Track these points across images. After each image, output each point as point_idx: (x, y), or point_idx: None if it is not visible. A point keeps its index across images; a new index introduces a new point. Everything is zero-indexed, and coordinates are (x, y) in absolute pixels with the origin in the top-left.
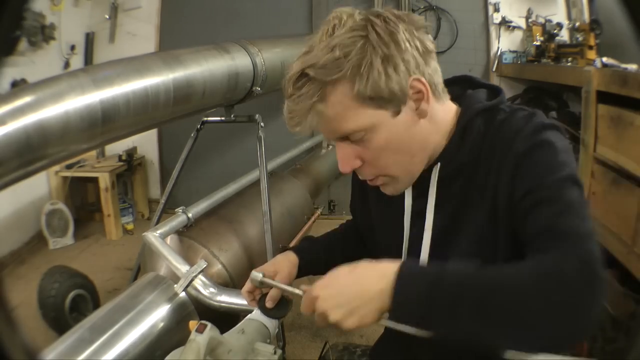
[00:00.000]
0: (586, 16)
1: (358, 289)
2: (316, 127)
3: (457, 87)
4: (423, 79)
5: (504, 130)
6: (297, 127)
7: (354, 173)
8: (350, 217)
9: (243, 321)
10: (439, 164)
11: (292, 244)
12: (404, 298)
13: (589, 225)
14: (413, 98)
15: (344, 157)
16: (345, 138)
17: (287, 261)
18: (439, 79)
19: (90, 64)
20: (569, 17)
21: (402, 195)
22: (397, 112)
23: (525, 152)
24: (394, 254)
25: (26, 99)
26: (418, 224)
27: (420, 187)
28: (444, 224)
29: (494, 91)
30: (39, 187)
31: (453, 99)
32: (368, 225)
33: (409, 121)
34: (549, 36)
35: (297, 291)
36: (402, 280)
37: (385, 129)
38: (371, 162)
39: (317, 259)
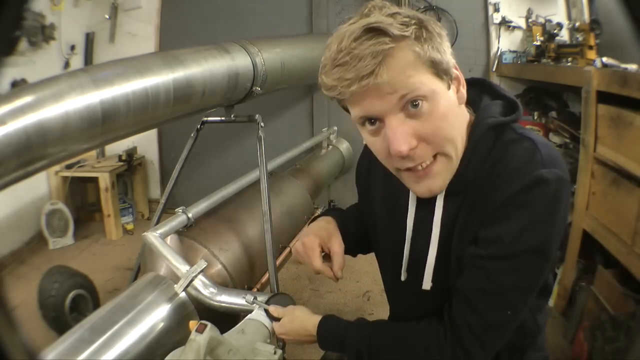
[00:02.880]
0: (586, 16)
1: (296, 333)
2: (379, 82)
3: (474, 89)
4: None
5: (505, 161)
6: (351, 86)
7: (358, 174)
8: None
9: (243, 321)
10: None
11: (292, 244)
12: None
13: (503, 316)
14: (454, 83)
15: (402, 133)
16: (404, 107)
17: (334, 228)
18: None
19: (90, 64)
20: (569, 17)
21: (406, 203)
22: (448, 87)
23: (507, 201)
24: (395, 258)
25: (26, 99)
26: (420, 234)
27: (423, 198)
28: (444, 239)
29: (511, 106)
30: (39, 187)
31: (468, 103)
32: (372, 224)
33: (455, 100)
34: (549, 36)
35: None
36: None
37: (444, 98)
38: (430, 137)
39: (346, 231)
